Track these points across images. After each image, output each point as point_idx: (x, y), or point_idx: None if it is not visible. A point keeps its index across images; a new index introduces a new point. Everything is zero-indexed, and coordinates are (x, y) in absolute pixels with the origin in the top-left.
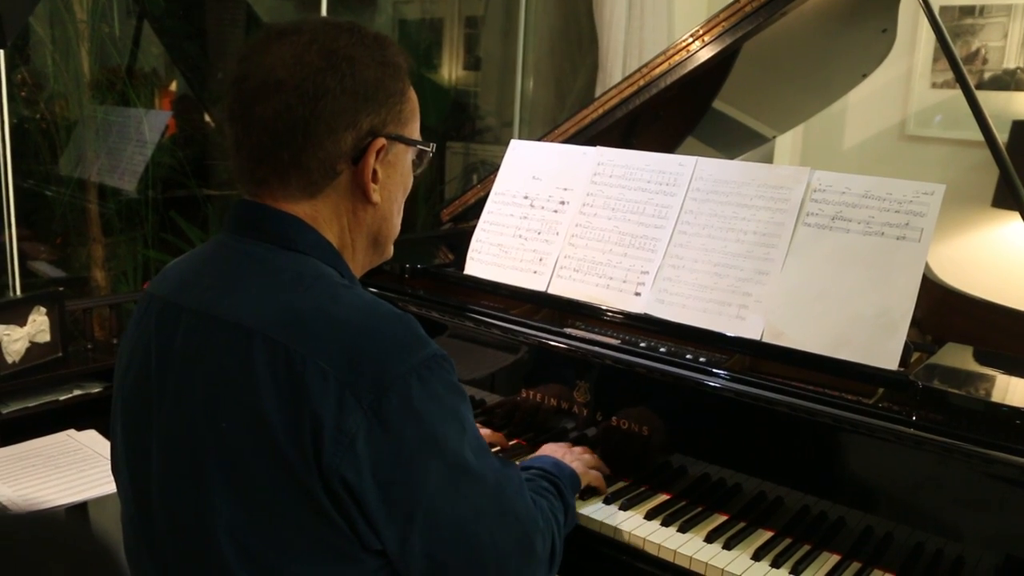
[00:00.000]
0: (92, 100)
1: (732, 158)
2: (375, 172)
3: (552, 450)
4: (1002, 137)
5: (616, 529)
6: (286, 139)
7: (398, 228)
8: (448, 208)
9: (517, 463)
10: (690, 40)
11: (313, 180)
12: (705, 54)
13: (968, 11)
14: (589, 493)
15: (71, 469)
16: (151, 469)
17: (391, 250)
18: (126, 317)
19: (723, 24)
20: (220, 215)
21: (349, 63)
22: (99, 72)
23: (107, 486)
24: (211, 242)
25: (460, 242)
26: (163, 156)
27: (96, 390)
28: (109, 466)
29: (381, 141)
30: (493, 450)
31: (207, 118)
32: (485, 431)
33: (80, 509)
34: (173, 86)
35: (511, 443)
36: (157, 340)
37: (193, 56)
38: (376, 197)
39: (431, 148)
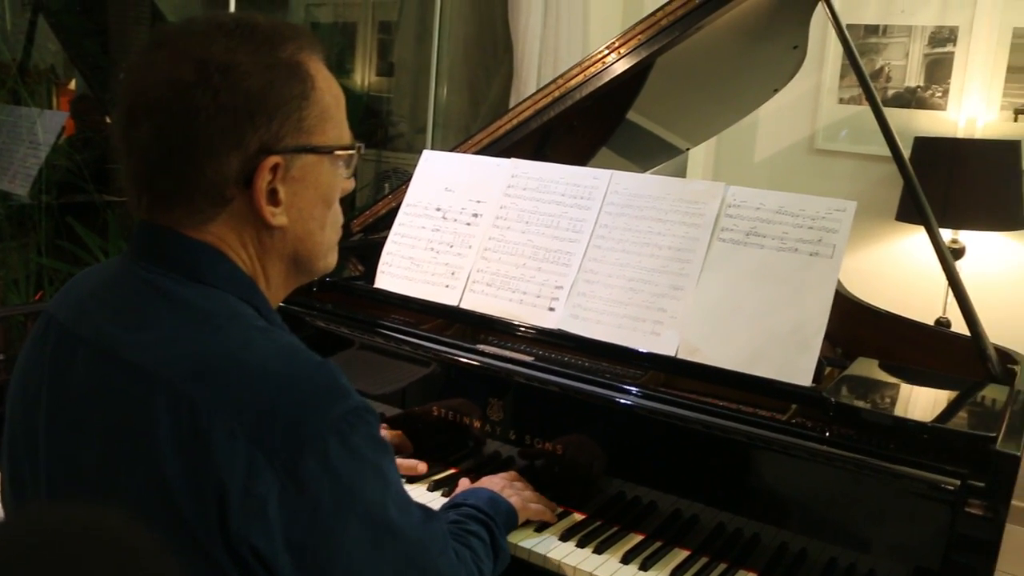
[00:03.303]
0: None
1: (646, 169)
2: (275, 193)
3: (491, 483)
4: (905, 153)
5: (530, 551)
6: (163, 167)
7: (328, 242)
8: (359, 219)
9: (455, 487)
10: (606, 52)
11: (200, 209)
12: (620, 66)
13: (872, 30)
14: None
15: None
16: None
17: (329, 261)
18: (15, 330)
19: (639, 37)
20: (121, 222)
21: (224, 74)
22: None
23: None
24: (114, 265)
25: (371, 254)
26: (59, 159)
27: None
28: None
29: (273, 159)
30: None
31: (108, 120)
32: (391, 434)
33: None
34: (72, 85)
35: (425, 481)
36: (51, 370)
37: (93, 55)
38: (279, 220)
39: (356, 148)
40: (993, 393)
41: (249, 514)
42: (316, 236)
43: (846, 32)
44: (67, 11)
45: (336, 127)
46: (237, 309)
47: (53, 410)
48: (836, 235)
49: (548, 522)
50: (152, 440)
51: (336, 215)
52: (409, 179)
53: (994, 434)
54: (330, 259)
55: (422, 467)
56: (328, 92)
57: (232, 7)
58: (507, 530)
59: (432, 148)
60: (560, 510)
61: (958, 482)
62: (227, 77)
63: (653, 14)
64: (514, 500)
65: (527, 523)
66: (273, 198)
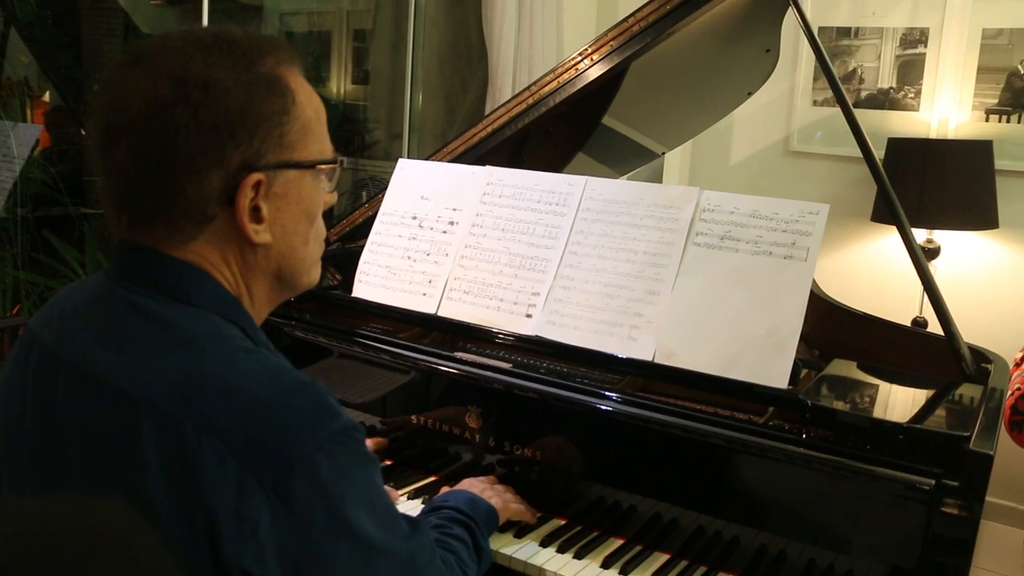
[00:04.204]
0: None
1: (622, 174)
2: (257, 210)
3: (471, 485)
4: (878, 154)
5: (511, 558)
6: (142, 186)
7: (311, 257)
8: (336, 227)
9: (436, 494)
10: (579, 59)
11: (181, 228)
12: (594, 72)
13: (844, 32)
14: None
15: None
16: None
17: (313, 276)
18: None
19: (611, 43)
20: (98, 234)
21: (203, 91)
22: None
23: None
24: (96, 283)
25: (348, 263)
26: (34, 172)
27: None
28: None
29: (255, 177)
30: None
31: (83, 132)
32: (372, 441)
33: None
34: (47, 97)
35: (404, 490)
36: (34, 391)
37: (67, 67)
38: (263, 237)
39: (338, 162)
40: (967, 392)
41: (241, 538)
42: (299, 252)
43: (816, 35)
44: (39, 23)
45: (317, 141)
46: (222, 329)
47: (36, 432)
48: (810, 238)
49: (529, 524)
50: (139, 466)
51: (319, 229)
52: (386, 187)
53: (968, 433)
54: (313, 274)
55: (395, 495)
56: (309, 106)
57: (205, 18)
58: (488, 531)
59: (409, 155)
60: (540, 515)
61: (933, 482)
62: (206, 94)
63: (625, 20)
64: (494, 501)
65: (507, 528)
66: (256, 215)
